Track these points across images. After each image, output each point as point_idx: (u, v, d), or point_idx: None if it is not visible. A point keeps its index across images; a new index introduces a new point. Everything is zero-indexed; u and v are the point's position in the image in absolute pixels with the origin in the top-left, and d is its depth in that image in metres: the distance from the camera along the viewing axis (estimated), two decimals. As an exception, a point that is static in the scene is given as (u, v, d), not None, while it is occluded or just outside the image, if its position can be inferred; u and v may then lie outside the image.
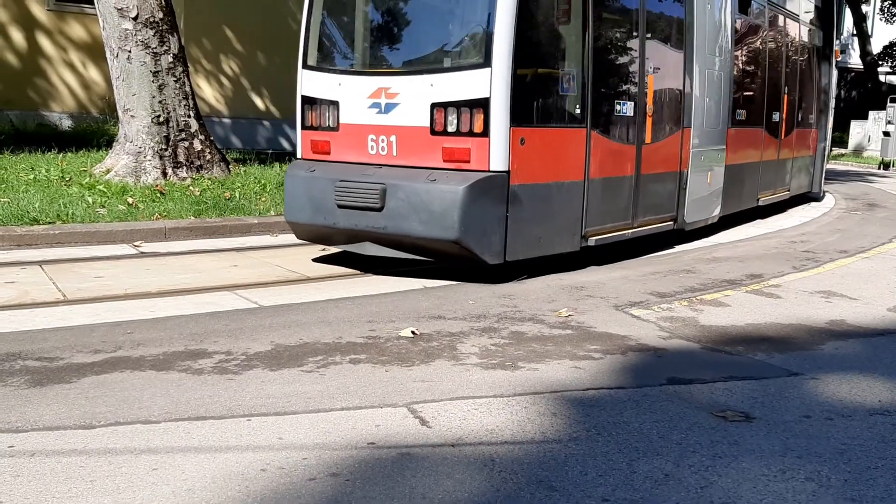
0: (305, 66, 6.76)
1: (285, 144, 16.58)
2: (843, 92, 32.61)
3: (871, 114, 26.16)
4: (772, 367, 4.35)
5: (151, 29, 9.60)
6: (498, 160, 5.90)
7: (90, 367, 3.99)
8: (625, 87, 7.24)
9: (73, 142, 12.45)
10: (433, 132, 6.02)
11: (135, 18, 9.49)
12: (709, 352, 4.62)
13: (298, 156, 6.91)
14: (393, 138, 6.20)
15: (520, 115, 5.95)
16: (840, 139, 28.18)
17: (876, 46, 33.02)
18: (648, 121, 7.41)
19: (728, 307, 5.70)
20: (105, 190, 8.88)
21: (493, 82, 5.80)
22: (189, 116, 10.03)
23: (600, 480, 2.89)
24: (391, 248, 6.23)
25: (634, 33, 7.24)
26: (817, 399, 3.85)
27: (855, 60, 33.56)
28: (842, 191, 15.23)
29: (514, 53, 5.81)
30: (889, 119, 22.82)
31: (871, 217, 11.34)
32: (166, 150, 9.78)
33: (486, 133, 5.84)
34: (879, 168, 22.45)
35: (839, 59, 26.30)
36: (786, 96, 11.06)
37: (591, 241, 6.87)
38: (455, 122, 5.93)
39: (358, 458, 3.03)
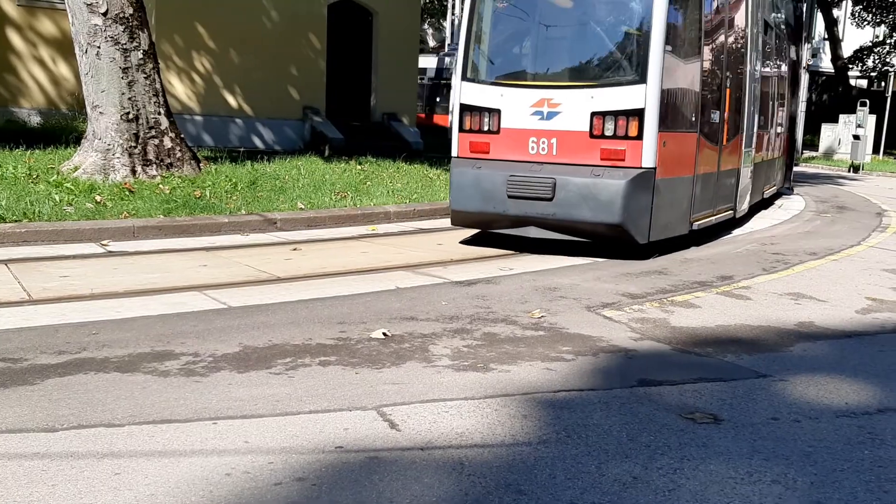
0: (465, 78, 7.85)
1: (258, 143, 16.46)
2: (814, 95, 33.01)
3: (842, 117, 26.51)
4: (741, 368, 4.37)
5: (121, 25, 9.47)
6: (648, 159, 7.20)
7: (54, 369, 3.91)
8: (716, 99, 8.77)
9: (42, 138, 12.26)
10: (592, 136, 7.24)
11: (104, 14, 9.36)
12: (679, 353, 4.64)
13: (454, 154, 7.94)
14: (554, 140, 7.36)
15: (662, 123, 7.27)
16: (811, 142, 28.55)
17: (847, 51, 33.49)
18: (725, 126, 8.95)
19: (699, 309, 5.72)
20: (73, 188, 8.75)
21: (647, 96, 7.14)
22: (159, 114, 9.91)
23: (569, 484, 2.88)
24: (557, 231, 7.42)
25: (721, 56, 8.86)
26: (785, 401, 3.87)
27: (826, 64, 34.05)
28: (812, 193, 15.41)
29: (661, 74, 7.17)
30: (859, 123, 23.13)
31: (841, 219, 11.48)
32: (136, 147, 9.66)
33: (640, 137, 7.14)
34: (849, 171, 22.76)
35: (810, 63, 26.66)
36: (772, 103, 12.25)
37: (695, 226, 8.32)
38: (612, 127, 7.20)
39: (325, 463, 3.00)
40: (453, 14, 35.69)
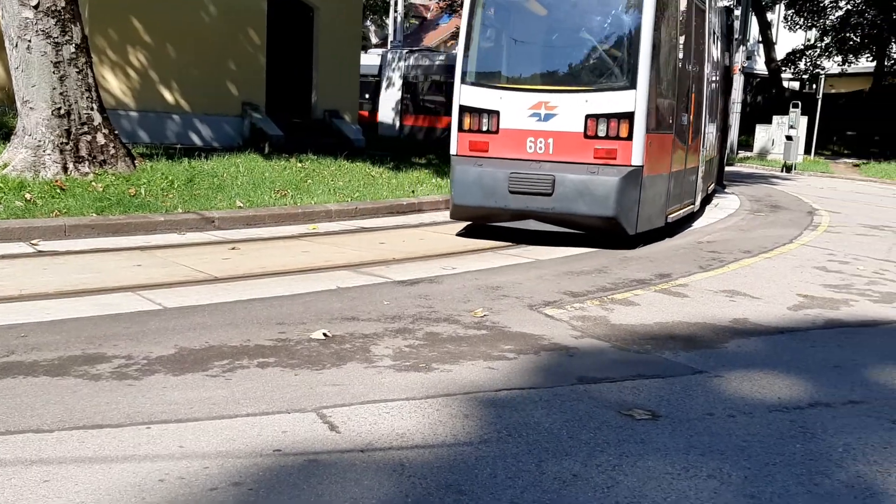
0: (464, 81, 8.34)
1: (195, 139, 16.12)
2: (749, 97, 33.87)
3: (775, 118, 27.24)
4: (678, 365, 4.44)
5: (53, 18, 9.17)
6: (637, 158, 7.87)
7: (-23, 374, 3.76)
8: (686, 103, 9.53)
9: (-32, 134, 11.79)
10: (586, 136, 7.87)
11: (35, 7, 9.05)
12: (618, 351, 4.69)
13: (453, 152, 8.41)
14: (551, 140, 7.96)
15: (648, 125, 7.95)
16: (746, 142, 29.29)
17: (780, 53, 34.45)
18: (691, 128, 9.90)
19: (638, 306, 5.80)
20: (1, 185, 8.44)
21: (636, 101, 7.83)
22: (92, 109, 9.63)
23: (509, 483, 2.88)
24: (555, 224, 8.07)
25: (688, 64, 9.64)
26: (720, 397, 3.95)
27: (760, 66, 34.94)
28: (747, 192, 15.80)
29: (649, 81, 7.87)
30: (791, 124, 23.79)
31: (774, 218, 11.79)
32: (67, 143, 9.36)
33: (630, 137, 7.81)
34: (782, 171, 23.40)
35: (745, 65, 27.35)
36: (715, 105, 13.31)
37: (669, 219, 9.16)
38: (605, 129, 7.83)
39: (263, 467, 2.94)
40: (395, 11, 35.58)
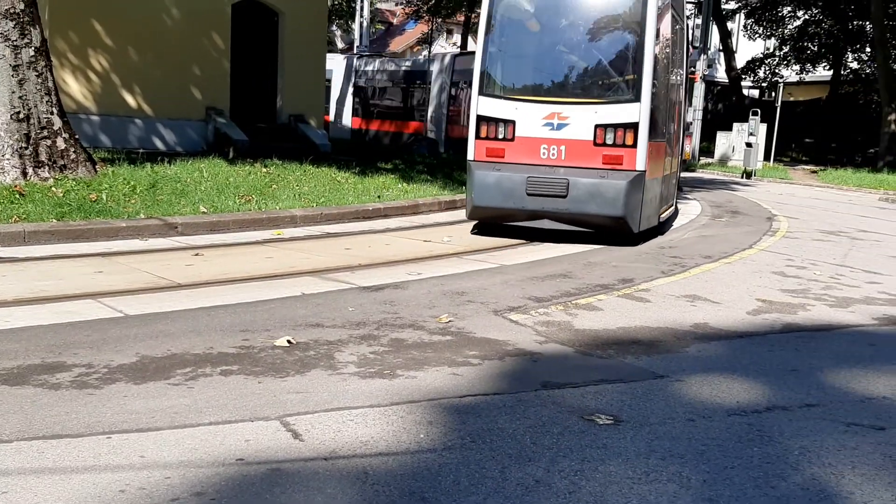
0: (482, 93, 9.04)
1: (158, 144, 15.95)
2: (710, 104, 34.39)
3: (735, 125, 27.68)
4: (640, 369, 4.50)
5: (11, 21, 9.03)
6: (641, 163, 8.69)
7: (-68, 385, 3.69)
8: (671, 113, 10.57)
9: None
10: (595, 144, 8.66)
11: (-8, 8, 8.90)
12: (582, 356, 4.74)
13: (471, 158, 9.07)
14: (563, 147, 8.71)
15: (649, 133, 8.77)
16: (707, 149, 29.72)
17: (740, 62, 35.04)
18: (674, 136, 10.96)
19: (601, 311, 5.87)
20: (-43, 190, 8.28)
21: (640, 112, 8.66)
22: (52, 113, 9.49)
23: (473, 489, 2.90)
24: (568, 223, 8.83)
25: (672, 77, 10.69)
26: (681, 401, 4.01)
27: (721, 75, 35.50)
28: (708, 198, 16.03)
29: (650, 95, 8.73)
30: (751, 131, 24.19)
31: (734, 224, 11.99)
32: (27, 148, 9.22)
33: (634, 145, 8.64)
34: (742, 177, 23.77)
35: (706, 73, 27.75)
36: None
37: (661, 219, 10.15)
38: (612, 137, 8.64)
39: (225, 476, 2.92)
40: (361, 16, 35.55)
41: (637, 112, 8.65)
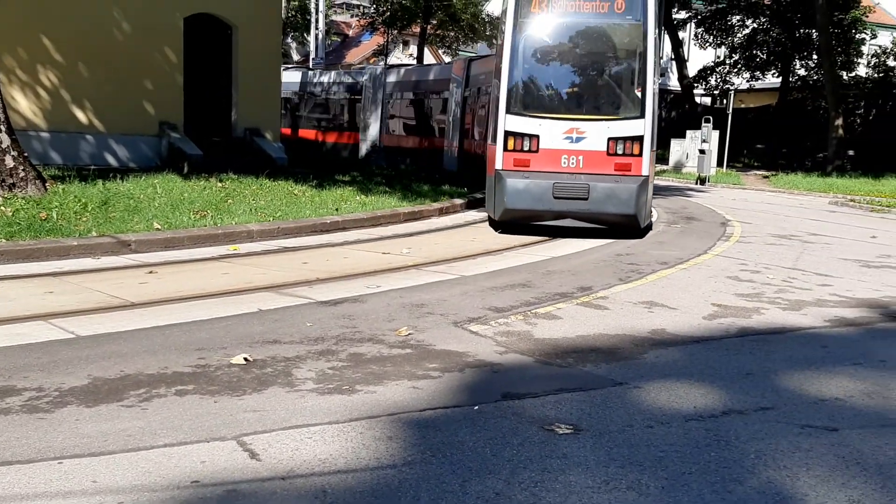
0: (509, 111, 10.40)
1: (111, 160, 15.68)
2: (663, 112, 34.93)
3: (689, 133, 28.14)
4: (599, 377, 4.53)
5: (-46, 35, 8.81)
6: (646, 169, 10.32)
7: None
8: (657, 125, 11.47)
9: None
10: (608, 154, 10.22)
11: (-66, 23, 8.68)
12: (542, 365, 4.75)
13: (499, 167, 10.38)
14: (581, 157, 10.24)
15: (651, 144, 10.44)
16: (662, 156, 30.14)
17: (692, 70, 35.65)
18: (655, 145, 11.48)
19: (560, 320, 5.90)
20: None
21: (645, 126, 10.28)
22: (0, 131, 9.27)
23: (433, 504, 2.88)
24: (588, 222, 10.30)
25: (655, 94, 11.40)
26: (639, 408, 4.04)
27: (674, 83, 36.08)
28: (663, 205, 16.24)
29: (652, 112, 10.37)
30: (704, 138, 24.60)
31: (690, 229, 12.16)
32: (-27, 167, 8.99)
33: (640, 154, 10.27)
34: (697, 183, 24.16)
35: (660, 81, 28.17)
36: None
37: (652, 217, 11.67)
38: (622, 148, 10.21)
39: (180, 499, 2.86)
40: (317, 28, 35.45)
41: (642, 127, 10.30)
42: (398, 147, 24.58)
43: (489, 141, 11.42)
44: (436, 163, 21.17)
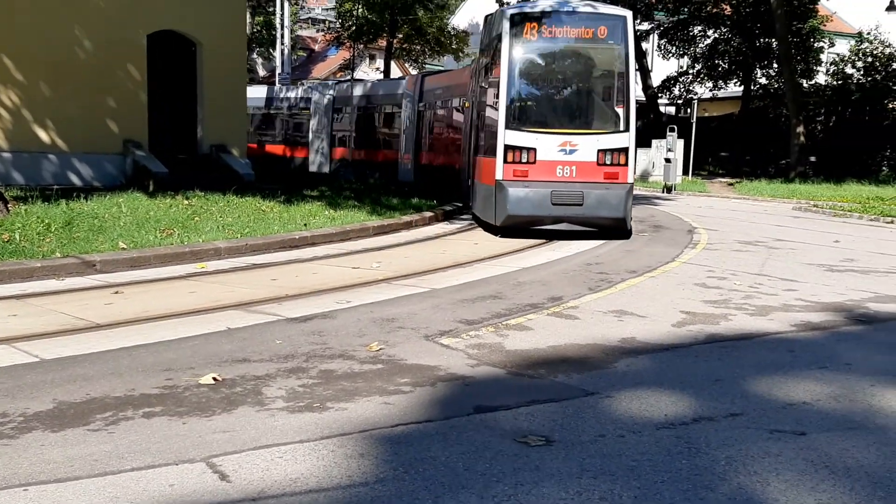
0: (507, 127, 11.32)
1: (74, 179, 15.46)
2: (629, 121, 35.29)
3: (654, 142, 28.46)
4: (570, 388, 4.54)
5: None
6: (630, 178, 11.49)
7: None
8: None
9: None
10: (598, 164, 11.29)
11: None
12: (513, 377, 4.76)
13: (499, 178, 11.29)
14: (574, 167, 11.25)
15: (634, 154, 11.61)
16: (629, 165, 30.42)
17: (655, 80, 36.08)
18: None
19: (531, 331, 5.91)
20: None
21: (629, 139, 11.47)
22: (-42, 152, 9.10)
23: (407, 521, 2.86)
24: (582, 225, 11.34)
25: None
26: (611, 417, 4.05)
27: (638, 93, 36.43)
28: (631, 214, 16.35)
29: (634, 126, 11.60)
30: (669, 147, 24.88)
31: (658, 238, 12.28)
32: (-69, 189, 8.81)
33: (626, 164, 11.41)
34: (663, 191, 24.40)
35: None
36: None
37: (631, 219, 12.31)
38: (610, 158, 11.30)
39: (149, 524, 2.81)
40: (282, 44, 35.36)
41: (627, 139, 11.44)
42: (361, 160, 24.80)
43: (480, 154, 12.48)
44: (391, 174, 21.57)
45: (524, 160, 11.21)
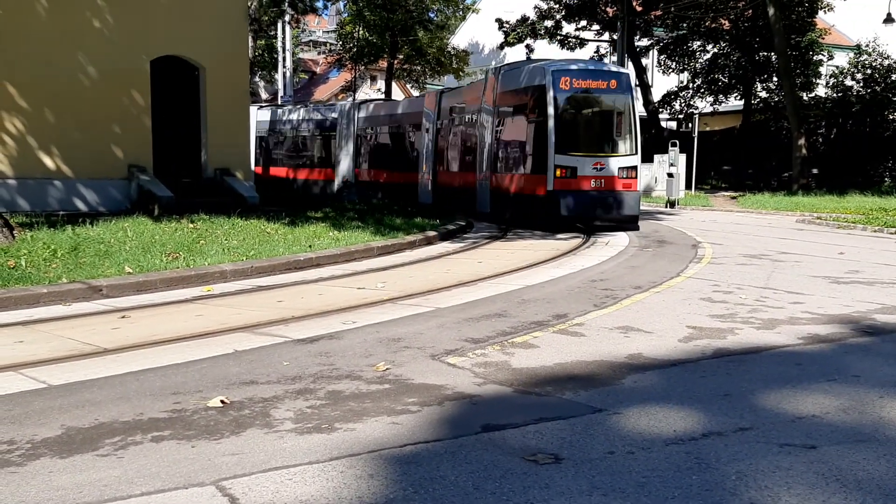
0: (557, 152, 15.32)
1: (80, 205, 15.54)
2: (630, 137, 35.36)
3: (656, 157, 28.52)
4: (578, 405, 4.53)
5: (-84, 85, 8.74)
6: (639, 186, 16.39)
7: None
8: None
9: None
10: (618, 178, 15.56)
11: None
12: (521, 395, 4.75)
13: (550, 188, 15.38)
14: (602, 181, 15.46)
15: (640, 170, 16.34)
16: (631, 181, 30.47)
17: (656, 95, 36.21)
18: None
19: (538, 348, 5.90)
20: None
21: (638, 160, 16.00)
22: (-35, 180, 9.16)
23: (417, 541, 2.85)
24: (609, 222, 15.79)
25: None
26: (620, 434, 4.04)
27: (640, 109, 36.58)
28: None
29: (640, 150, 16.19)
30: (671, 161, 24.94)
31: (662, 253, 12.28)
32: (-62, 217, 8.86)
33: (636, 177, 15.87)
34: (666, 206, 24.44)
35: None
36: None
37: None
38: (626, 174, 15.63)
39: (159, 549, 2.81)
40: (284, 66, 35.61)
41: (637, 160, 16.01)
42: (372, 181, 24.73)
43: (521, 171, 16.54)
44: (410, 195, 21.44)
45: (568, 175, 15.38)
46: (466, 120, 19.68)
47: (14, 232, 9.89)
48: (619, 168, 15.46)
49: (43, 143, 15.19)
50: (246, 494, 3.27)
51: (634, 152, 15.83)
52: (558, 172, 15.18)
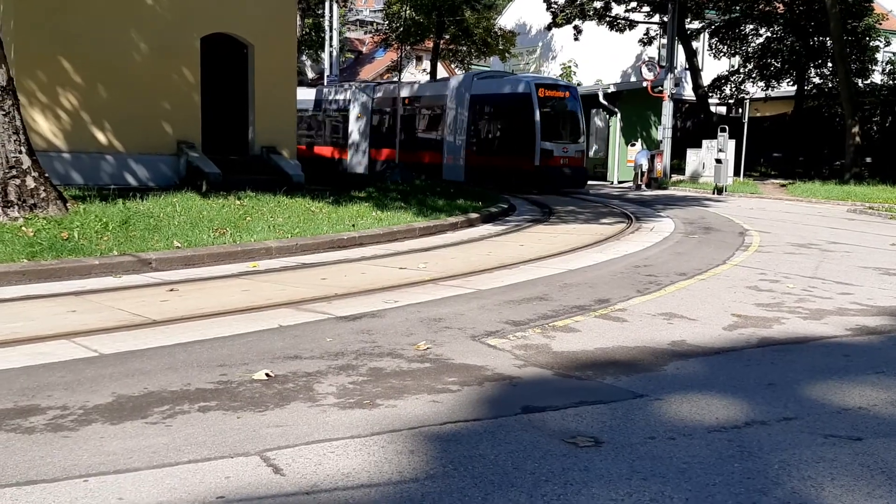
0: (542, 139, 22.43)
1: (130, 180, 15.85)
2: (679, 122, 34.80)
3: (705, 142, 28.05)
4: (619, 390, 4.52)
5: (-24, 60, 8.97)
6: (584, 163, 24.51)
7: None
8: None
9: None
10: (575, 157, 23.57)
11: (-43, 48, 8.85)
12: (561, 378, 4.75)
13: (536, 164, 22.43)
14: (567, 159, 23.08)
15: (587, 151, 26.40)
16: (678, 166, 30.07)
17: (706, 80, 35.54)
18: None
19: (579, 332, 5.89)
20: (-76, 233, 8.17)
21: (586, 144, 25.30)
22: (20, 152, 9.42)
23: (457, 518, 2.89)
24: (570, 187, 23.91)
25: None
26: (661, 420, 4.03)
27: (689, 93, 35.95)
28: (681, 215, 16.20)
29: (585, 137, 25.19)
30: (720, 147, 24.52)
31: (707, 240, 12.12)
32: (-5, 188, 9.12)
33: (585, 156, 24.82)
34: (714, 193, 24.07)
35: (674, 91, 28.14)
36: None
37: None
38: (579, 153, 23.82)
39: (206, 515, 2.89)
40: (331, 46, 35.72)
41: (585, 144, 23.75)
42: (412, 162, 25.01)
43: (519, 154, 22.68)
44: (438, 174, 24.47)
45: (548, 156, 22.37)
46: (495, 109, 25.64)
47: (67, 204, 10.13)
48: (576, 150, 23.25)
49: (96, 118, 15.50)
50: (289, 465, 3.34)
51: (584, 139, 23.98)
52: (543, 154, 22.34)
